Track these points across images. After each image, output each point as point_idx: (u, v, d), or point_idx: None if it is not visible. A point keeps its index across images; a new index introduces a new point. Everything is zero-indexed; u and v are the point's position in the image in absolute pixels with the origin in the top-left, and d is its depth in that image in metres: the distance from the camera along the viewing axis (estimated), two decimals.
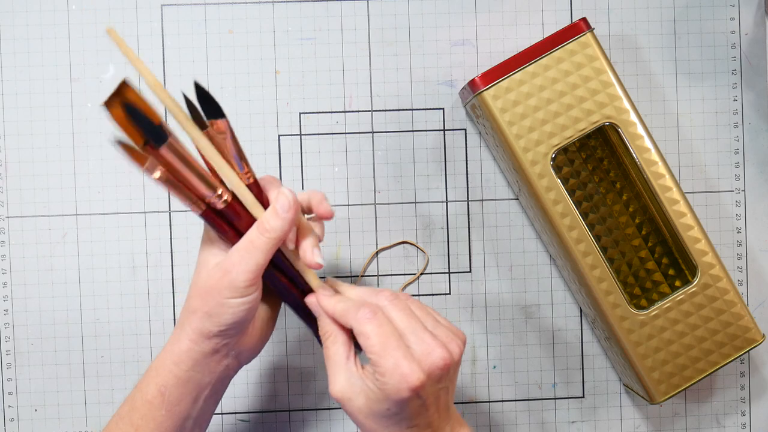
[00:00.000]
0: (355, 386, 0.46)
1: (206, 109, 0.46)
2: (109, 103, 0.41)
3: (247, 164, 0.47)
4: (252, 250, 0.46)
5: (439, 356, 0.44)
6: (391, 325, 0.45)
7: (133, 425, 0.48)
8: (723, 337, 0.58)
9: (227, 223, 0.47)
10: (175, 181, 0.44)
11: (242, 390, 0.64)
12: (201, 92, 0.45)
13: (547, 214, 0.58)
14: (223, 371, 0.50)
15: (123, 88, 0.41)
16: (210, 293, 0.46)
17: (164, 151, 0.43)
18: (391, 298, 0.47)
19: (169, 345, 0.48)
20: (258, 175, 0.61)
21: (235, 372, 0.51)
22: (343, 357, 0.47)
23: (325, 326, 0.49)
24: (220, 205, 0.46)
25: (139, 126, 0.42)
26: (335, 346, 0.48)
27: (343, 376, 0.47)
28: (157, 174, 0.43)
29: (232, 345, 0.49)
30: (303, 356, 0.64)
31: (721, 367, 0.58)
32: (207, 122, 0.46)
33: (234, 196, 0.47)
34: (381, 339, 0.44)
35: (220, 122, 0.46)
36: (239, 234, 0.47)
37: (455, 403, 0.64)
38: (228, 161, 0.46)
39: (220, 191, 0.46)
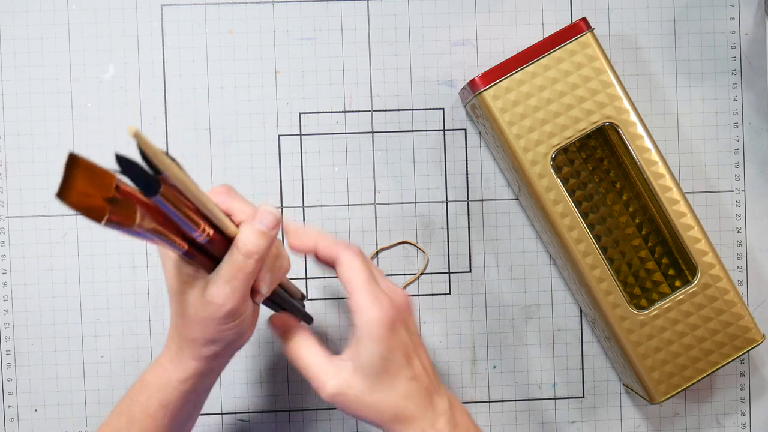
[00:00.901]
0: (344, 372, 0.47)
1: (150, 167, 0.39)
2: (63, 193, 0.37)
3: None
4: (240, 278, 0.44)
5: (402, 295, 0.49)
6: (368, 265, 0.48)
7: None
8: (723, 337, 0.58)
9: (207, 255, 0.44)
10: (160, 228, 0.40)
11: (242, 390, 0.64)
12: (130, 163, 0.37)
13: (547, 214, 0.58)
14: (222, 369, 0.51)
15: (74, 161, 0.37)
16: (208, 323, 0.45)
17: (155, 199, 0.38)
18: (356, 252, 0.49)
19: (169, 364, 0.48)
20: (259, 175, 0.61)
21: (229, 360, 0.52)
22: (320, 355, 0.48)
23: (286, 330, 0.50)
24: (202, 240, 0.42)
25: (137, 179, 0.37)
26: (305, 348, 0.49)
27: (330, 372, 0.47)
28: (150, 224, 0.39)
29: (230, 350, 0.49)
30: None
31: (721, 367, 0.58)
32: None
33: (216, 230, 0.43)
34: (365, 275, 0.47)
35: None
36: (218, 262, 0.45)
37: None
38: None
39: (202, 227, 0.42)
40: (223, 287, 0.44)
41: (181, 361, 0.47)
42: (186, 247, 0.42)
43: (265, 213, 0.44)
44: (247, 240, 0.43)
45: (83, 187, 0.37)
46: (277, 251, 0.47)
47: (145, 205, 0.39)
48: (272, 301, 0.52)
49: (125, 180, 0.38)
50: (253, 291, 0.46)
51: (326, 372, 0.47)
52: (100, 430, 0.50)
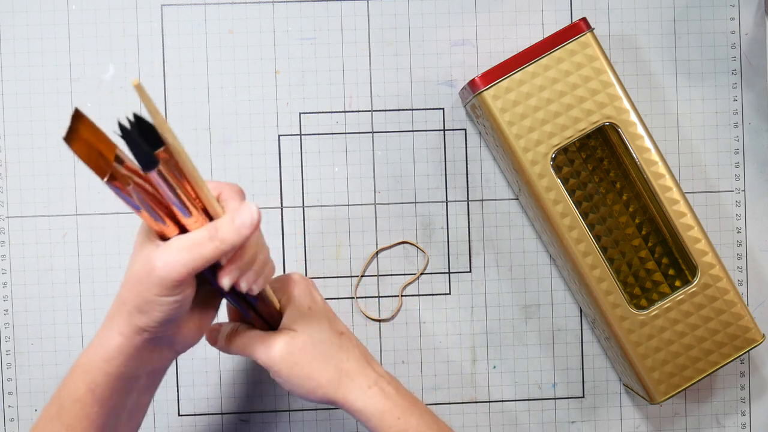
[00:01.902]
0: (286, 333, 0.50)
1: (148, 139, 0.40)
2: (69, 138, 0.38)
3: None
4: (193, 253, 0.42)
5: (296, 272, 0.54)
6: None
7: (64, 425, 0.46)
8: (723, 337, 0.58)
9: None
10: (150, 204, 0.41)
11: (242, 390, 0.64)
12: (141, 125, 0.39)
13: (547, 214, 0.58)
14: (157, 363, 0.48)
15: (78, 118, 0.38)
16: (140, 286, 0.43)
17: (152, 175, 0.39)
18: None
19: (98, 339, 0.46)
20: (259, 175, 0.61)
21: (170, 362, 0.49)
22: (259, 331, 0.51)
23: (215, 333, 0.52)
24: (192, 228, 0.43)
25: (137, 151, 0.38)
26: (241, 331, 0.51)
27: (273, 337, 0.50)
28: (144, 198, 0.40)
29: (166, 339, 0.46)
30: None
31: (721, 367, 0.58)
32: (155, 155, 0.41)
33: (209, 219, 0.44)
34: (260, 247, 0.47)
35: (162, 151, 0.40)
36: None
37: (454, 403, 0.64)
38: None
39: (195, 216, 0.42)
40: (171, 253, 0.42)
41: (108, 332, 0.45)
42: (177, 231, 0.42)
43: (245, 210, 0.42)
44: (221, 227, 0.42)
45: (89, 139, 0.38)
46: (264, 258, 0.46)
47: (143, 179, 0.39)
48: (244, 302, 0.50)
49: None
50: (218, 278, 0.45)
51: (270, 337, 0.50)
52: (36, 421, 0.48)
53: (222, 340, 0.52)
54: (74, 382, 0.46)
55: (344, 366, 0.51)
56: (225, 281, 0.44)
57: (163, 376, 0.50)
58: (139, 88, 0.37)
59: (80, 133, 0.38)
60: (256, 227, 0.42)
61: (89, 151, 0.39)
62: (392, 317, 0.64)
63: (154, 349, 0.46)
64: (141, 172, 0.40)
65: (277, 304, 0.52)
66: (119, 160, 0.39)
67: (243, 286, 0.45)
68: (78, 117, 0.38)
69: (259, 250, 0.46)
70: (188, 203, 0.41)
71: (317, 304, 0.52)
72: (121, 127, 0.38)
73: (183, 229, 0.43)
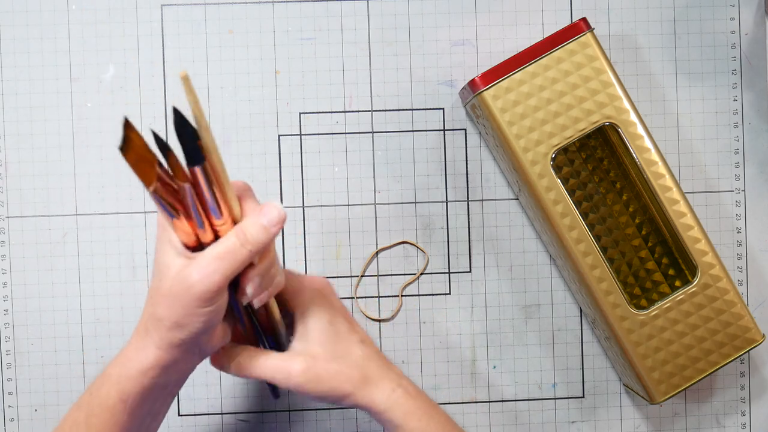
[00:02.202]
0: (303, 351, 0.49)
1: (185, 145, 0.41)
2: (124, 148, 0.39)
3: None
4: (228, 261, 0.42)
5: (319, 276, 0.53)
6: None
7: (91, 430, 0.47)
8: (723, 337, 0.58)
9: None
10: (198, 208, 0.42)
11: (242, 390, 0.64)
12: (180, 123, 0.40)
13: (547, 214, 0.58)
14: (186, 369, 0.49)
15: (128, 127, 0.39)
16: (177, 303, 0.43)
17: (196, 171, 0.40)
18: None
19: (133, 352, 0.46)
20: (259, 175, 0.61)
21: (195, 367, 0.50)
22: (272, 353, 0.49)
23: (224, 356, 0.50)
24: (221, 231, 0.44)
25: (187, 144, 0.39)
26: (253, 354, 0.49)
27: (289, 358, 0.49)
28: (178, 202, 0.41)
29: (196, 348, 0.47)
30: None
31: (721, 367, 0.58)
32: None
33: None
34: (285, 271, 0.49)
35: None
36: None
37: (454, 403, 0.64)
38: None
39: (224, 218, 0.43)
40: (205, 266, 0.42)
41: (145, 347, 0.45)
42: (213, 236, 0.43)
43: (272, 208, 0.43)
44: (248, 229, 0.43)
45: (137, 147, 0.39)
46: (271, 263, 0.46)
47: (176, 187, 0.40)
48: (255, 319, 0.51)
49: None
50: (239, 291, 0.46)
51: (286, 359, 0.49)
52: (60, 424, 0.49)
53: (234, 367, 0.50)
54: (106, 391, 0.47)
55: (368, 373, 0.50)
56: (249, 289, 0.45)
57: (185, 380, 0.51)
58: (186, 80, 0.37)
59: (132, 141, 0.39)
60: (282, 223, 0.44)
61: (137, 159, 0.39)
62: (392, 317, 0.64)
63: (187, 358, 0.47)
64: (174, 183, 0.40)
65: (277, 314, 0.51)
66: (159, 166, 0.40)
67: (264, 297, 0.46)
68: (128, 126, 0.39)
69: (271, 262, 0.47)
70: (221, 204, 0.42)
71: (337, 317, 0.51)
72: (175, 118, 0.39)
73: (215, 234, 0.43)
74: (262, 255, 0.45)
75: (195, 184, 0.41)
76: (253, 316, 0.50)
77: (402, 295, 0.64)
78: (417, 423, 0.50)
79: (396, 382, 0.51)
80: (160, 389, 0.48)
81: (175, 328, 0.44)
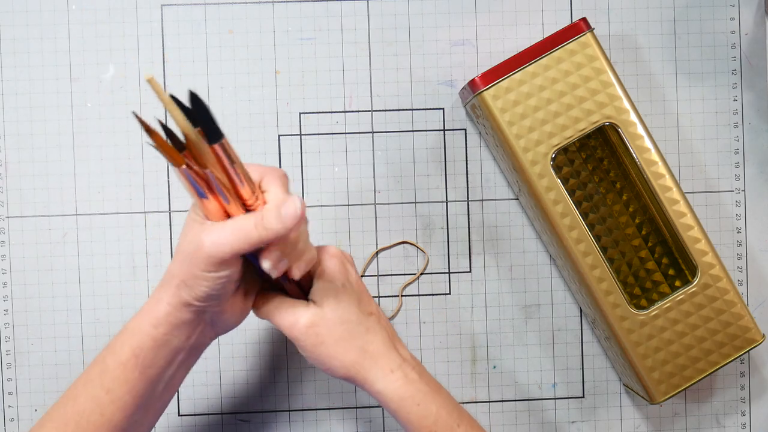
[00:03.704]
0: (313, 306, 0.50)
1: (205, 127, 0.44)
2: (150, 131, 0.42)
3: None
4: (239, 236, 0.44)
5: (333, 246, 0.53)
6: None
7: (104, 388, 0.47)
8: (723, 337, 0.58)
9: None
10: (197, 174, 0.44)
11: (242, 390, 0.64)
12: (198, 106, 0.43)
13: (547, 214, 0.58)
14: (199, 339, 0.49)
15: (140, 120, 0.42)
16: (186, 261, 0.45)
17: (216, 149, 0.43)
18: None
19: (148, 306, 0.47)
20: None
21: (210, 341, 0.51)
22: (287, 299, 0.50)
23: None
24: (251, 205, 0.46)
25: (207, 122, 0.42)
26: (270, 297, 0.50)
27: (300, 308, 0.50)
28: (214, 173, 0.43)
29: (210, 317, 0.49)
30: (303, 356, 0.64)
31: (721, 367, 0.58)
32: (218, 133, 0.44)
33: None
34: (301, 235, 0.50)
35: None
36: None
37: None
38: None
39: (246, 192, 0.45)
40: (219, 233, 0.44)
41: (158, 301, 0.47)
42: (242, 210, 0.45)
43: (292, 203, 0.44)
44: (266, 214, 0.44)
45: (159, 138, 0.43)
46: (292, 244, 0.47)
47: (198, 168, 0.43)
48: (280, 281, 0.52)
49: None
50: (260, 260, 0.47)
51: (297, 308, 0.50)
52: (75, 382, 0.49)
53: (260, 311, 0.51)
54: (121, 344, 0.48)
55: (369, 348, 0.50)
56: (266, 263, 0.46)
57: (200, 354, 0.51)
58: (152, 83, 0.39)
59: (150, 130, 0.42)
60: (300, 220, 0.44)
61: (163, 142, 0.43)
62: (392, 317, 0.64)
63: (198, 325, 0.48)
64: (196, 164, 0.43)
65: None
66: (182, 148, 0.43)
67: (281, 268, 0.47)
68: (140, 119, 0.42)
69: (301, 238, 0.48)
70: (244, 177, 0.45)
71: (350, 281, 0.51)
72: (194, 98, 0.42)
73: (246, 210, 0.46)
74: (281, 238, 0.45)
75: (218, 161, 0.43)
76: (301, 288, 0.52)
77: (402, 295, 0.64)
78: (414, 408, 0.50)
79: (396, 363, 0.50)
80: (172, 352, 0.48)
81: (183, 287, 0.46)
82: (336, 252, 0.52)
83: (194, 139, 0.43)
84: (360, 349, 0.50)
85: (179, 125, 0.42)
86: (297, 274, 0.48)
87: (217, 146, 0.43)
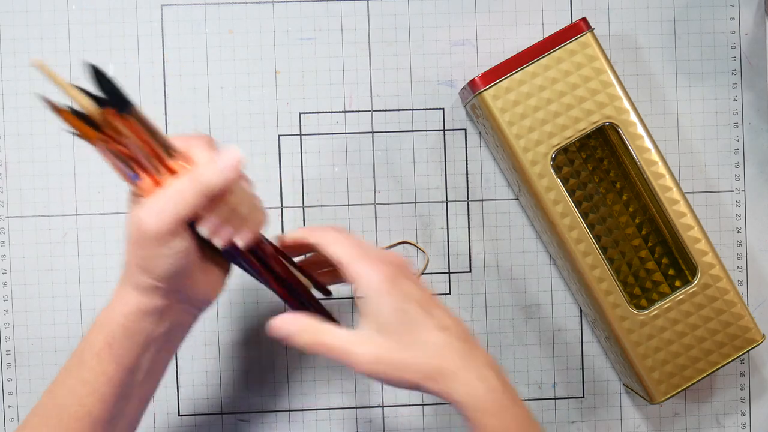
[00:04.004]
0: (370, 337, 0.46)
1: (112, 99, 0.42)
2: (57, 109, 0.41)
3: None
4: (177, 200, 0.42)
5: (395, 255, 0.50)
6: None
7: (81, 379, 0.46)
8: (723, 337, 0.58)
9: None
10: (121, 153, 0.42)
11: (242, 390, 0.64)
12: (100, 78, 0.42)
13: (547, 214, 0.58)
14: (175, 321, 0.48)
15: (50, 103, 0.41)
16: (136, 245, 0.43)
17: (129, 120, 0.42)
18: (340, 230, 0.50)
19: (116, 296, 0.46)
20: (259, 175, 0.61)
21: (193, 318, 0.49)
22: (341, 332, 0.47)
23: (290, 325, 0.48)
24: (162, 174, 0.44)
25: (112, 93, 0.41)
26: (321, 331, 0.47)
27: (356, 342, 0.46)
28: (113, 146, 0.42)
29: (181, 295, 0.46)
30: (303, 356, 0.64)
31: (721, 367, 0.58)
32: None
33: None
34: (352, 245, 0.48)
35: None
36: None
37: None
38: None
39: (161, 169, 0.43)
40: (152, 205, 0.42)
41: (125, 293, 0.45)
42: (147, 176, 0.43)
43: (228, 152, 0.43)
44: (201, 170, 0.42)
45: (69, 116, 0.42)
46: (233, 206, 0.45)
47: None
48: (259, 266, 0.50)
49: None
50: (196, 227, 0.45)
51: (354, 343, 0.46)
52: (56, 376, 0.48)
53: (297, 338, 0.48)
54: (94, 336, 0.46)
55: (444, 364, 0.46)
56: (203, 229, 0.44)
57: (183, 335, 0.49)
58: (43, 68, 0.39)
59: (60, 110, 0.41)
60: (240, 169, 0.43)
61: (71, 118, 0.41)
62: None
63: (172, 307, 0.46)
64: (116, 138, 0.42)
65: (302, 279, 0.51)
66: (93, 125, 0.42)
67: (225, 236, 0.45)
68: (49, 101, 0.41)
69: (241, 198, 0.45)
70: (168, 146, 0.43)
71: (409, 302, 0.47)
72: (93, 73, 0.41)
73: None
74: (221, 196, 0.44)
75: (137, 134, 0.42)
76: (272, 273, 0.50)
77: None
78: (494, 421, 0.46)
79: (476, 373, 0.46)
80: (146, 338, 0.46)
81: (142, 272, 0.44)
82: (393, 261, 0.48)
83: (101, 119, 0.41)
84: (433, 367, 0.46)
85: (82, 107, 0.40)
86: (241, 242, 0.46)
87: (130, 117, 0.41)
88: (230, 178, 0.43)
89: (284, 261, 0.51)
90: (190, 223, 0.44)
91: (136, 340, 0.46)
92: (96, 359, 0.46)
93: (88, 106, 0.41)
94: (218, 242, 0.45)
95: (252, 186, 0.48)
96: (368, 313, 0.47)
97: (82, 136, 0.41)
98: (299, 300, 0.52)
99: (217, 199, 0.44)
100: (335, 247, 0.48)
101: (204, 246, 0.47)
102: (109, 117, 0.41)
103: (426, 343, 0.46)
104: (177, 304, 0.47)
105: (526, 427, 0.47)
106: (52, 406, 0.47)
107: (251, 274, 0.50)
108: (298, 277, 0.53)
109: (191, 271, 0.46)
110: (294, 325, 0.48)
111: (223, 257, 0.49)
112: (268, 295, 0.64)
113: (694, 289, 0.57)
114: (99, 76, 0.41)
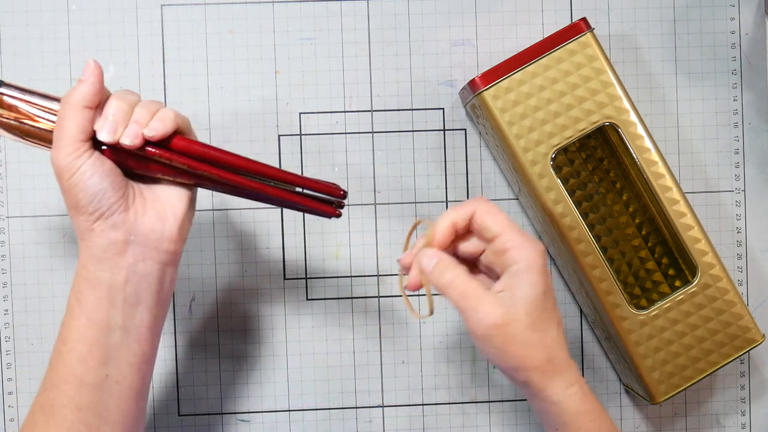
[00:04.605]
0: (507, 303, 0.46)
1: None
2: None
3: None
4: (60, 125, 0.46)
5: (538, 242, 0.48)
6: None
7: (62, 339, 0.47)
8: (723, 337, 0.58)
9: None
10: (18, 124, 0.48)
11: (242, 390, 0.64)
12: None
13: (547, 214, 0.58)
14: (134, 268, 0.47)
15: None
16: (63, 192, 0.46)
17: (5, 91, 0.47)
18: (488, 201, 0.50)
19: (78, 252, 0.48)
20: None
21: (159, 271, 0.48)
22: (477, 283, 0.47)
23: (438, 263, 0.48)
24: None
25: None
26: (459, 276, 0.47)
27: (492, 301, 0.46)
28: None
29: (123, 231, 0.47)
30: (303, 356, 0.64)
31: (721, 367, 0.58)
32: None
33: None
34: (506, 221, 0.48)
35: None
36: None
37: (455, 403, 0.64)
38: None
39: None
40: (52, 146, 0.46)
41: (79, 246, 0.47)
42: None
43: (89, 61, 0.46)
44: (69, 91, 0.46)
45: None
46: (117, 107, 0.47)
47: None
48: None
49: None
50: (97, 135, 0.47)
51: (487, 300, 0.46)
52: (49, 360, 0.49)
53: (435, 272, 0.48)
54: (70, 295, 0.48)
55: (554, 357, 0.47)
56: (102, 135, 0.46)
57: (150, 289, 0.48)
58: None
59: None
60: (96, 73, 0.46)
61: None
62: (430, 314, 0.64)
63: (122, 250, 0.47)
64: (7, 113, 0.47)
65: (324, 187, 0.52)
66: None
67: (132, 134, 0.46)
68: None
69: (124, 98, 0.47)
70: (48, 94, 0.48)
71: (549, 291, 0.48)
72: None
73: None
74: (97, 97, 0.46)
75: (14, 106, 0.48)
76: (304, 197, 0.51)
77: (406, 296, 0.64)
78: (589, 423, 0.48)
79: (575, 377, 0.48)
80: (111, 291, 0.47)
81: (76, 212, 0.46)
82: (540, 249, 0.48)
83: None
84: (547, 357, 0.47)
85: None
86: (150, 132, 0.46)
87: (7, 89, 0.47)
88: (92, 81, 0.46)
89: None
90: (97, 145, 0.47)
91: (99, 292, 0.47)
92: (69, 316, 0.47)
93: None
94: (127, 141, 0.46)
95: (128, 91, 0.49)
96: (515, 285, 0.47)
97: None
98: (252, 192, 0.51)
99: (99, 108, 0.47)
100: (491, 217, 0.48)
101: (134, 176, 0.49)
102: None
103: (551, 334, 0.47)
104: (126, 246, 0.47)
105: (613, 428, 0.50)
106: (46, 372, 0.48)
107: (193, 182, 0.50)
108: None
109: (118, 194, 0.47)
110: (433, 258, 0.48)
111: (171, 188, 0.49)
112: (268, 295, 0.64)
113: (694, 289, 0.57)
114: None
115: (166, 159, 0.48)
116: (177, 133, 0.48)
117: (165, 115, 0.47)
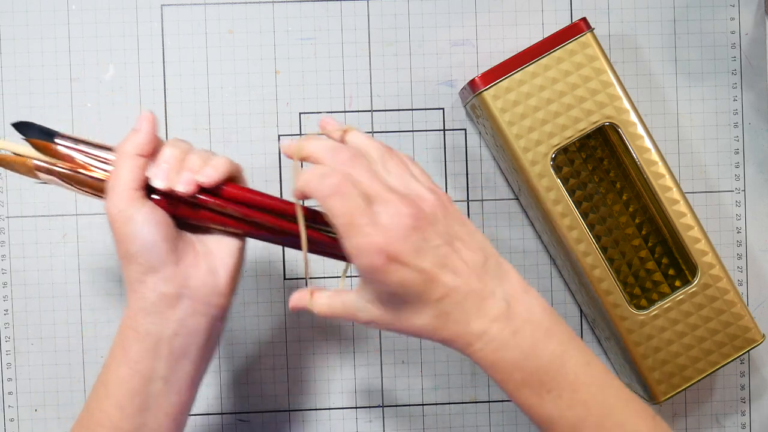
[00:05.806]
0: (366, 305, 0.45)
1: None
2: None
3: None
4: (116, 175, 0.46)
5: (406, 214, 0.42)
6: (356, 192, 0.43)
7: (103, 382, 0.47)
8: (723, 337, 0.58)
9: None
10: (74, 174, 0.48)
11: (242, 390, 0.64)
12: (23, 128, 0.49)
13: (547, 214, 0.58)
14: (184, 322, 0.47)
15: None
16: (117, 242, 0.46)
17: (60, 142, 0.48)
18: (353, 160, 0.45)
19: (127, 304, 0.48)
20: (259, 175, 0.60)
21: (208, 325, 0.47)
22: (340, 296, 0.47)
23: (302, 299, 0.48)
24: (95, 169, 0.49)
25: (35, 132, 0.48)
26: (325, 297, 0.47)
27: (356, 306, 0.46)
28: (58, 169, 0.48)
29: (175, 285, 0.46)
30: (303, 356, 0.64)
31: (721, 367, 0.58)
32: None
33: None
34: (347, 212, 0.42)
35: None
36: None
37: (454, 403, 0.64)
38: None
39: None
40: (107, 196, 0.46)
41: (128, 297, 0.47)
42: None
43: (141, 114, 0.47)
44: (122, 141, 0.47)
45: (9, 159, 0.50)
46: (168, 156, 0.47)
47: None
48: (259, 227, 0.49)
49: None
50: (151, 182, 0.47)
51: (354, 307, 0.46)
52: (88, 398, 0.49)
53: (317, 305, 0.47)
54: (114, 341, 0.48)
55: (439, 330, 0.44)
56: (157, 181, 0.46)
57: (197, 343, 0.47)
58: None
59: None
60: (151, 122, 0.47)
61: (8, 164, 0.49)
62: None
63: (173, 304, 0.46)
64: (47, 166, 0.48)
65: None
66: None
67: (186, 181, 0.46)
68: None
69: (177, 146, 0.48)
70: (101, 144, 0.49)
71: (407, 287, 0.43)
72: (16, 127, 0.49)
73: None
74: (153, 151, 0.47)
75: (72, 149, 0.49)
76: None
77: None
78: (500, 376, 0.44)
79: (476, 335, 0.43)
80: (157, 342, 0.46)
81: (128, 262, 0.46)
82: (393, 227, 0.41)
83: (52, 152, 0.48)
84: (430, 333, 0.44)
85: (19, 159, 0.49)
86: (203, 179, 0.46)
87: (61, 140, 0.48)
88: (146, 130, 0.46)
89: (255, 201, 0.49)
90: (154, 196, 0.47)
91: (145, 343, 0.46)
92: (112, 361, 0.47)
93: (23, 151, 0.49)
94: (158, 183, 0.46)
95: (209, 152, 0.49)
96: (360, 288, 0.47)
97: (18, 167, 0.49)
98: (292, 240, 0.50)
99: (153, 156, 0.47)
100: (331, 217, 0.44)
101: (185, 225, 0.48)
102: (50, 148, 0.48)
103: (421, 314, 0.44)
104: (177, 300, 0.46)
105: (556, 376, 0.44)
106: (81, 414, 0.48)
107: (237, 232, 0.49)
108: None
109: (170, 246, 0.46)
110: (303, 300, 0.48)
111: (194, 226, 0.49)
112: (268, 295, 0.64)
113: (694, 289, 0.57)
114: (20, 127, 0.49)
115: (218, 206, 0.47)
116: (230, 180, 0.48)
117: (218, 162, 0.47)
